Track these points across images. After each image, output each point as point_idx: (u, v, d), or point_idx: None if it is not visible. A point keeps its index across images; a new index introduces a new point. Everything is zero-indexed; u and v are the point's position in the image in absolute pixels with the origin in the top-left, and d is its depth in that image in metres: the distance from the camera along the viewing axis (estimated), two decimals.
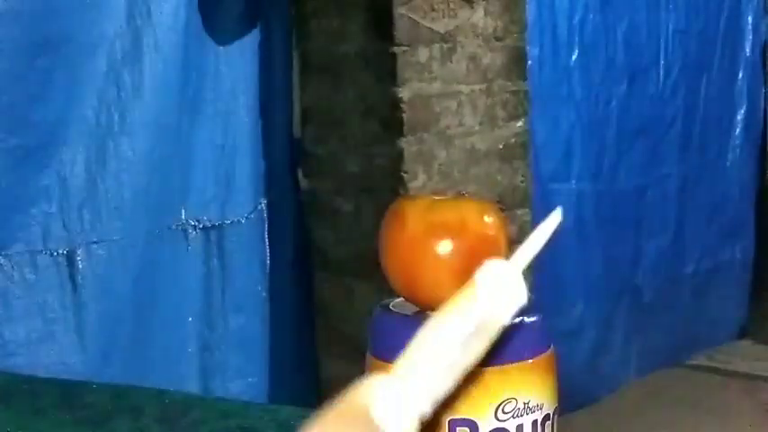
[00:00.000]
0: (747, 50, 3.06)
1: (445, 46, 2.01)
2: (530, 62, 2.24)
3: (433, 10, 1.98)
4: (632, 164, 2.76)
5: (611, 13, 2.62)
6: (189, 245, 1.90)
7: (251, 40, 2.00)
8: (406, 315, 0.67)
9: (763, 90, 3.16)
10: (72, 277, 1.71)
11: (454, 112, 2.02)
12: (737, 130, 3.09)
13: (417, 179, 1.96)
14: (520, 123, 2.16)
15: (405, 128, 1.94)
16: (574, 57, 2.54)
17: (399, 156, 1.95)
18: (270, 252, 2.04)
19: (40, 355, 1.66)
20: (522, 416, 0.62)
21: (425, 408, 0.30)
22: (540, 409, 0.63)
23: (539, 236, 0.33)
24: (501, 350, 0.64)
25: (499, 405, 0.61)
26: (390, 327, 0.66)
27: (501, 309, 0.31)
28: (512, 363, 0.63)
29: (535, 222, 2.56)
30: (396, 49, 1.94)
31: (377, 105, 1.97)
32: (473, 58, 2.06)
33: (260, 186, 2.03)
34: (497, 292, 0.31)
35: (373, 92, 1.98)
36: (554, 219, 0.34)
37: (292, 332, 2.06)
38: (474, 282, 0.31)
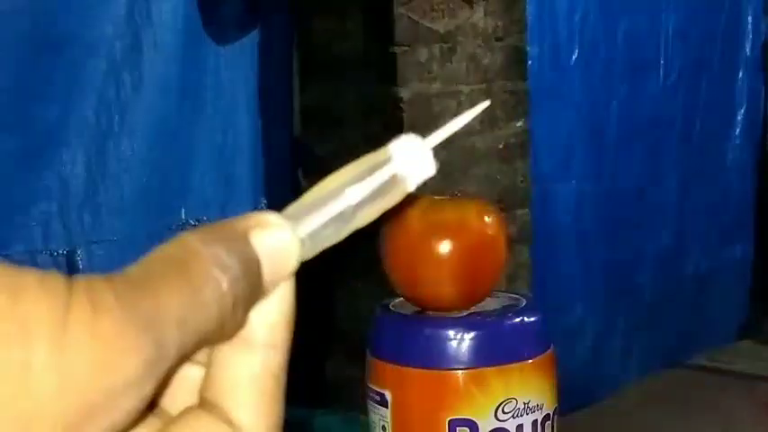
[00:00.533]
0: (747, 50, 3.06)
1: (445, 46, 2.01)
2: (530, 62, 2.24)
3: (433, 10, 1.98)
4: (632, 164, 2.75)
5: (611, 12, 2.62)
6: None
7: (251, 40, 1.99)
8: (406, 315, 0.67)
9: (764, 90, 3.15)
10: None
11: (454, 112, 2.01)
12: (738, 129, 3.08)
13: None
14: (520, 123, 2.16)
15: (405, 128, 1.94)
16: (574, 56, 2.54)
17: None
18: None
19: None
20: (522, 416, 0.62)
21: (307, 254, 0.29)
22: (540, 409, 0.63)
23: (460, 121, 0.33)
24: (501, 350, 0.64)
25: (499, 405, 0.61)
26: (390, 327, 0.66)
27: (408, 175, 0.30)
28: (512, 363, 0.63)
29: (536, 223, 2.57)
30: (396, 49, 1.94)
31: (377, 105, 1.97)
32: (473, 58, 2.05)
33: (260, 186, 2.03)
34: (407, 161, 0.30)
35: (373, 92, 1.97)
36: (480, 107, 0.34)
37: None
38: (386, 147, 0.30)
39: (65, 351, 0.23)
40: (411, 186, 0.31)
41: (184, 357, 0.26)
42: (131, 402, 0.24)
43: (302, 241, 0.29)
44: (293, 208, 0.29)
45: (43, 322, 0.23)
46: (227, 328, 0.27)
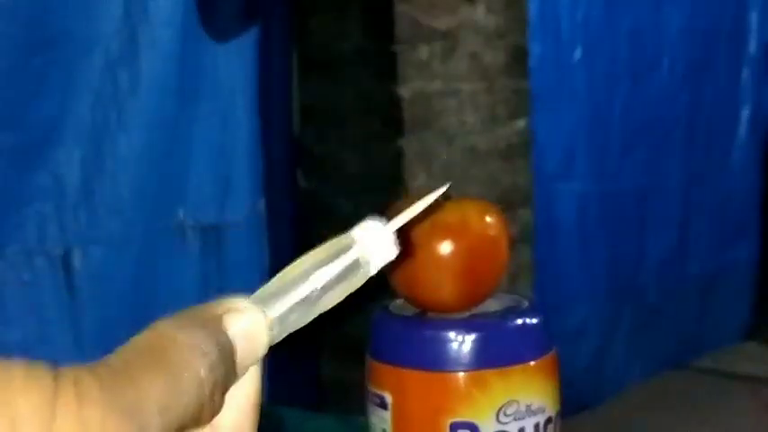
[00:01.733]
0: (752, 48, 3.05)
1: (446, 44, 2.00)
2: (532, 60, 2.22)
3: (434, 7, 1.97)
4: (636, 163, 2.74)
5: (614, 10, 2.61)
6: (187, 245, 1.88)
7: (250, 38, 1.98)
8: (406, 317, 0.66)
9: None
10: (68, 278, 1.69)
11: (455, 111, 2.00)
12: (742, 128, 3.07)
13: (417, 179, 1.94)
14: (522, 122, 2.15)
15: (405, 127, 1.93)
16: (576, 55, 2.53)
17: (399, 155, 1.94)
18: (269, 252, 2.03)
19: (35, 357, 1.64)
20: (523, 418, 0.60)
21: (275, 338, 0.31)
22: (543, 411, 0.61)
23: (420, 205, 0.36)
24: (503, 352, 0.62)
25: (501, 407, 0.60)
26: (390, 328, 0.65)
27: (370, 260, 0.33)
28: (514, 365, 0.61)
29: (538, 223, 2.56)
30: (396, 47, 1.93)
31: (377, 104, 1.96)
32: (474, 56, 2.04)
33: (259, 186, 2.02)
34: (369, 246, 0.33)
35: (373, 90, 1.96)
36: (439, 191, 0.37)
37: (291, 333, 2.04)
38: (349, 233, 0.33)
39: None
40: (373, 270, 0.33)
41: None
42: None
43: (271, 325, 0.30)
44: (261, 292, 0.31)
45: (31, 413, 0.24)
46: (204, 413, 0.28)
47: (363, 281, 0.33)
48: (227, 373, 0.28)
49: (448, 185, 0.37)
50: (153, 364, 0.27)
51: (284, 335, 0.31)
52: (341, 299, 0.33)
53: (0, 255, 1.64)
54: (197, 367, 0.27)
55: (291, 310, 0.31)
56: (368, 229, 0.33)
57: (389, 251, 0.34)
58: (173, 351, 0.27)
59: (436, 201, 0.69)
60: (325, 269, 0.31)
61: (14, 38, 1.62)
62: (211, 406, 0.28)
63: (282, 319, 0.31)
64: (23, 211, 1.66)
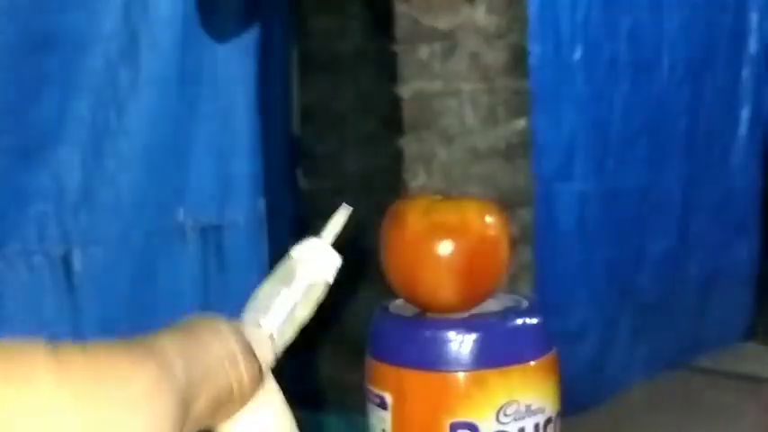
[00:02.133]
0: (752, 48, 3.05)
1: (446, 44, 2.00)
2: (532, 60, 2.22)
3: (434, 7, 1.97)
4: (636, 163, 2.74)
5: (614, 9, 2.61)
6: (187, 245, 1.88)
7: (250, 38, 1.98)
8: (406, 316, 0.66)
9: None
10: (68, 278, 1.69)
11: (455, 111, 2.00)
12: (742, 128, 3.07)
13: (417, 179, 1.94)
14: (522, 122, 2.15)
15: (405, 127, 1.93)
16: (576, 55, 2.53)
17: (399, 155, 1.94)
18: (269, 252, 2.03)
19: None
20: (523, 418, 0.60)
21: (277, 349, 0.34)
22: (542, 411, 0.61)
23: (341, 217, 0.40)
24: (503, 352, 0.62)
25: (501, 407, 0.60)
26: (390, 328, 0.65)
27: (321, 272, 0.37)
28: (514, 365, 0.61)
29: (538, 222, 2.55)
30: (396, 47, 1.93)
31: (377, 104, 1.96)
32: (474, 56, 2.04)
33: (259, 186, 2.02)
34: (314, 261, 0.37)
35: (373, 90, 1.97)
36: (344, 212, 0.41)
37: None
38: (289, 254, 0.37)
39: (68, 378, 0.25)
40: (330, 279, 0.38)
41: (205, 404, 0.27)
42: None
43: (271, 337, 0.34)
44: (248, 316, 0.35)
45: (35, 356, 0.26)
46: (243, 380, 0.29)
47: (323, 290, 0.37)
48: (252, 355, 0.30)
49: (350, 210, 0.42)
50: (171, 331, 0.28)
51: (281, 348, 0.34)
52: (311, 310, 0.36)
53: (0, 255, 1.64)
54: (218, 327, 0.28)
55: (282, 323, 0.34)
56: (306, 247, 0.37)
57: (333, 259, 0.38)
58: (190, 324, 0.28)
59: (436, 201, 0.69)
60: (284, 291, 0.35)
61: (14, 38, 1.62)
62: (251, 372, 0.29)
63: (278, 331, 0.34)
64: (23, 211, 1.65)
